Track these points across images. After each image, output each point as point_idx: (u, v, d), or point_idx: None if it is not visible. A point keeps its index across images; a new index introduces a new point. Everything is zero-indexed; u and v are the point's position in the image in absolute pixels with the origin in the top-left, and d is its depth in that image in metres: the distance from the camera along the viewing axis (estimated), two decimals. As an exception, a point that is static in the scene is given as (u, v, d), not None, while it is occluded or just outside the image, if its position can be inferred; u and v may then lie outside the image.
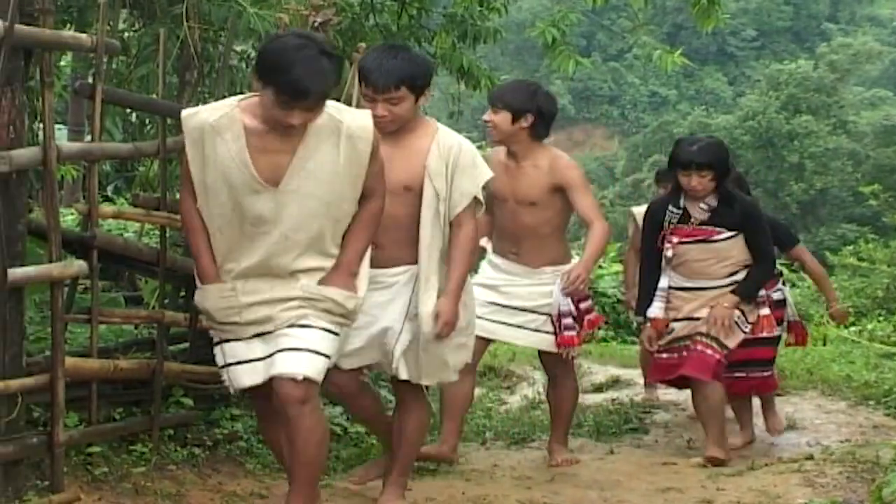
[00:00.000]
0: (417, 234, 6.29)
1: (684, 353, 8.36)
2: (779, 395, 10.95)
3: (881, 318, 16.91)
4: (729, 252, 8.38)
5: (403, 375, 6.42)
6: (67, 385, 5.56)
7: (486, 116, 7.91)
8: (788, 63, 67.59)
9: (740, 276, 8.40)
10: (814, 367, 11.94)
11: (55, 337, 5.54)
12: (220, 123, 5.37)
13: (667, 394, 11.15)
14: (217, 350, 5.62)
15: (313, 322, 5.51)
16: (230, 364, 5.58)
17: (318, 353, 5.48)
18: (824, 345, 14.53)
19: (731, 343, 8.32)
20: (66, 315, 5.75)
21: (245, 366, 5.54)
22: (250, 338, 5.52)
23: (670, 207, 8.45)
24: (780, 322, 8.95)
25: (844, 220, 53.89)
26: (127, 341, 6.89)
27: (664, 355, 8.51)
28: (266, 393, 5.53)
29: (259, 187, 5.38)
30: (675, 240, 8.39)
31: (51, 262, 5.54)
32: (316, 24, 7.39)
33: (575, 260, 7.96)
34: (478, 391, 10.31)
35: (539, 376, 12.09)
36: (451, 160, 6.33)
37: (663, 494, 7.29)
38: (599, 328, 8.05)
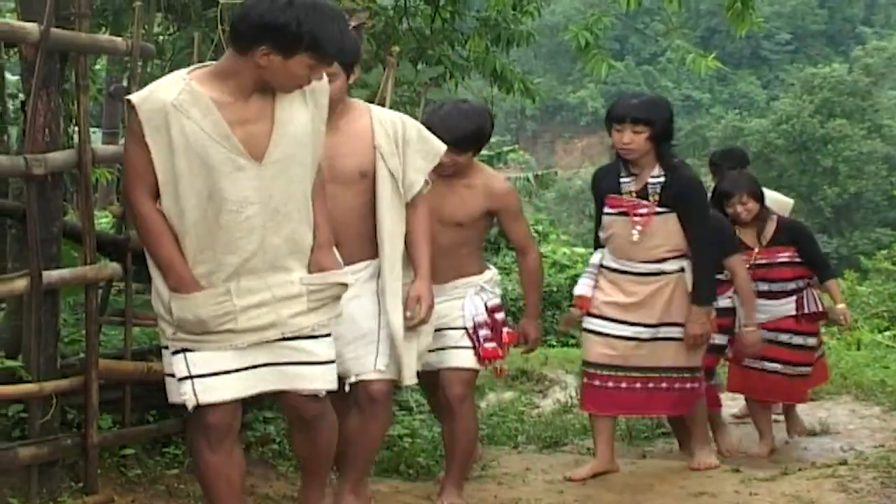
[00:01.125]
0: (374, 223, 5.89)
1: (650, 385, 7.70)
2: (812, 400, 10.96)
3: (916, 323, 16.88)
4: (654, 232, 7.55)
5: (389, 374, 5.97)
6: (101, 387, 5.58)
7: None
8: (822, 67, 67.27)
9: (668, 266, 7.59)
10: (847, 372, 11.91)
11: (89, 339, 5.56)
12: (181, 101, 4.74)
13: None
14: (175, 360, 4.93)
15: (320, 331, 5.11)
16: (199, 376, 4.91)
17: (330, 362, 5.18)
18: (858, 349, 14.48)
19: (700, 360, 7.92)
20: (101, 317, 5.77)
21: (223, 377, 4.93)
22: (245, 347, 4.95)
23: (621, 174, 7.67)
24: (724, 330, 8.56)
25: (879, 225, 53.72)
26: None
27: (623, 385, 7.68)
28: (228, 407, 5.00)
29: (242, 163, 4.83)
30: (606, 209, 7.69)
31: (85, 264, 5.56)
32: (350, 28, 7.37)
33: (488, 272, 7.02)
34: (510, 395, 10.35)
35: (571, 380, 12.10)
36: (400, 137, 5.94)
37: (696, 499, 7.26)
38: (516, 345, 7.20)
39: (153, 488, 5.94)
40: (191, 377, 4.90)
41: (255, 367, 4.98)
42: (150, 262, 4.97)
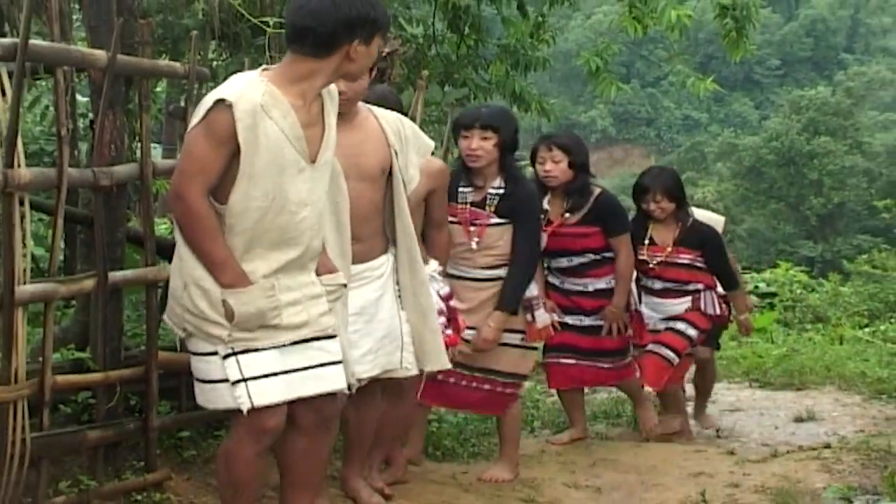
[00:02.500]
0: (390, 218, 5.68)
1: (474, 385, 7.13)
2: (799, 389, 10.92)
3: (893, 320, 16.77)
4: (491, 242, 6.94)
5: (414, 370, 5.79)
6: (160, 376, 5.57)
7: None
8: (809, 89, 67.16)
9: (503, 272, 6.92)
10: (831, 365, 11.84)
11: (150, 333, 5.56)
12: (265, 101, 4.45)
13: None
14: (227, 364, 4.55)
15: (336, 331, 4.83)
16: (252, 378, 4.56)
17: (341, 361, 4.85)
18: (841, 344, 14.41)
19: (527, 369, 7.37)
20: (160, 314, 5.77)
21: (272, 380, 4.58)
22: (291, 345, 4.64)
23: (461, 183, 7.00)
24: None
25: (859, 232, 53.49)
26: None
27: (450, 379, 7.01)
28: (281, 409, 4.66)
29: (303, 165, 4.59)
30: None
31: (146, 266, 5.56)
32: (384, 54, 7.35)
33: (432, 262, 6.30)
34: (527, 384, 10.29)
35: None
36: (402, 135, 5.76)
37: (695, 479, 7.25)
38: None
39: (206, 467, 5.94)
40: (244, 380, 4.54)
41: (294, 370, 4.64)
42: (189, 267, 4.55)
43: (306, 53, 4.55)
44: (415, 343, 5.79)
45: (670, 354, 8.42)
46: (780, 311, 21.00)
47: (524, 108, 12.21)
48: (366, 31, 4.57)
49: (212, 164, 4.43)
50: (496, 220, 6.90)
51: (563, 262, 7.97)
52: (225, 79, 7.28)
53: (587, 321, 8.06)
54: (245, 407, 4.53)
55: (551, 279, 8.04)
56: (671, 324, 8.49)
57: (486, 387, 7.11)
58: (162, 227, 9.58)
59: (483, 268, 6.93)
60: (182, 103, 6.20)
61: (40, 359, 4.87)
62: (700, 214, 9.05)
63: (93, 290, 5.23)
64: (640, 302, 8.51)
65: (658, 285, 8.53)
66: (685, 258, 8.47)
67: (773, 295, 23.00)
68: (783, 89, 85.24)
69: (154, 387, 5.53)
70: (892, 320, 16.82)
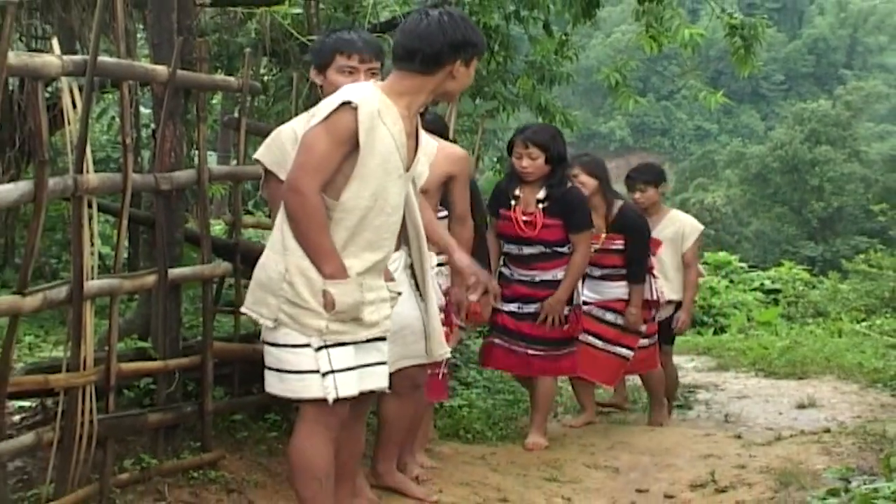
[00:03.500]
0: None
1: None
2: (801, 378, 10.87)
3: (888, 315, 16.70)
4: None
5: (438, 355, 5.56)
6: (215, 365, 5.58)
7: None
8: (811, 102, 66.90)
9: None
10: (830, 356, 11.82)
11: (206, 325, 5.57)
12: (381, 109, 4.49)
13: (708, 376, 11.08)
14: (319, 356, 4.51)
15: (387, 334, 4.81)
16: (338, 371, 4.54)
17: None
18: (839, 337, 14.36)
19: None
20: (215, 307, 5.78)
21: (351, 373, 4.57)
22: (363, 342, 4.62)
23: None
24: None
25: (857, 233, 53.21)
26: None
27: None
28: (349, 401, 4.65)
29: (402, 172, 4.62)
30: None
31: (202, 263, 5.58)
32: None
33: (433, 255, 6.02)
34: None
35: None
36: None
37: (705, 460, 7.23)
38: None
39: (257, 447, 5.95)
40: (332, 372, 4.50)
41: (363, 366, 4.63)
42: (296, 258, 4.47)
43: (414, 70, 4.58)
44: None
45: (624, 352, 8.27)
46: (784, 307, 20.99)
47: (549, 119, 12.17)
48: (467, 53, 4.61)
49: (331, 161, 4.44)
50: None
51: (514, 250, 7.64)
52: (275, 92, 7.28)
53: (526, 309, 7.62)
54: (332, 397, 4.51)
55: (502, 268, 7.76)
56: (620, 319, 8.27)
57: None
58: (216, 227, 9.62)
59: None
60: (235, 114, 6.22)
61: (106, 348, 4.88)
62: (682, 217, 9.07)
63: (154, 285, 5.25)
64: (583, 287, 8.07)
65: (597, 272, 8.26)
66: (619, 244, 8.21)
67: (778, 291, 22.99)
68: (787, 102, 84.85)
69: (209, 374, 5.54)
70: (887, 315, 16.75)
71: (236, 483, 5.51)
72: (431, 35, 4.56)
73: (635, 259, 8.22)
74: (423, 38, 4.57)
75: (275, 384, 4.63)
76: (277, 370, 4.60)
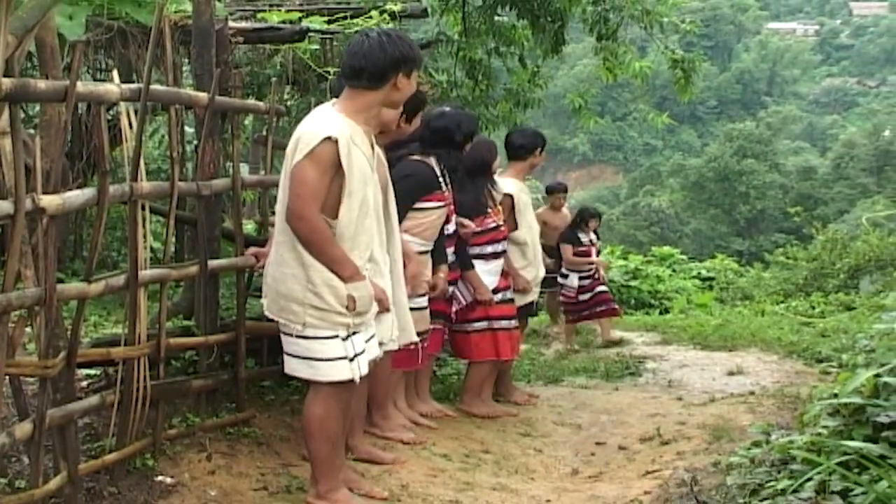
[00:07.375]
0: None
1: None
2: (731, 350, 10.86)
3: (801, 298, 16.70)
4: None
5: (397, 343, 5.28)
6: (247, 340, 5.57)
7: None
8: (738, 123, 67.19)
9: None
10: (755, 332, 11.79)
11: (239, 307, 5.55)
12: (350, 132, 4.40)
13: (654, 349, 11.07)
14: (345, 345, 4.48)
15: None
16: (358, 355, 4.53)
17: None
18: (762, 316, 14.36)
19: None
20: (247, 292, 5.76)
21: (363, 356, 4.56)
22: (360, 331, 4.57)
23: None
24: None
25: (777, 231, 53.34)
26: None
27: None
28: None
29: (371, 175, 4.57)
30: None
31: (237, 256, 5.56)
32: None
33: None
34: (524, 346, 10.28)
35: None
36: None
37: (652, 418, 7.24)
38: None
39: (282, 408, 5.93)
40: (356, 356, 4.51)
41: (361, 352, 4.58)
42: (318, 270, 4.40)
43: (363, 87, 4.50)
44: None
45: (512, 323, 7.33)
46: (717, 292, 20.98)
47: (523, 137, 12.16)
48: (408, 66, 4.52)
49: (323, 187, 4.36)
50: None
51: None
52: (296, 115, 7.22)
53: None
54: (357, 377, 4.51)
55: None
56: (500, 295, 7.20)
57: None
58: (248, 226, 9.62)
59: None
60: (264, 133, 6.20)
61: (157, 326, 4.87)
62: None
63: (196, 274, 5.23)
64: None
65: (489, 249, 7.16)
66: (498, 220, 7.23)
67: (712, 279, 23.02)
68: (719, 123, 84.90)
69: (242, 347, 5.53)
70: (801, 298, 16.75)
71: (265, 437, 5.50)
72: (374, 54, 4.46)
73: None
74: (367, 57, 4.47)
75: (302, 370, 4.57)
76: (306, 358, 4.53)
